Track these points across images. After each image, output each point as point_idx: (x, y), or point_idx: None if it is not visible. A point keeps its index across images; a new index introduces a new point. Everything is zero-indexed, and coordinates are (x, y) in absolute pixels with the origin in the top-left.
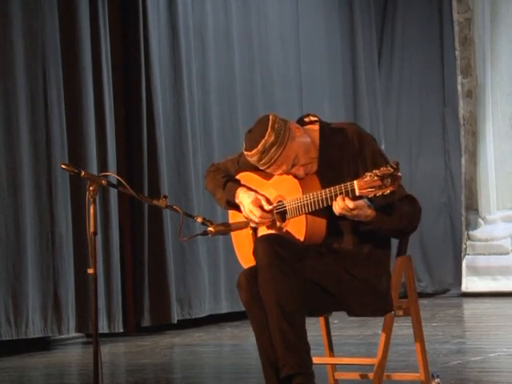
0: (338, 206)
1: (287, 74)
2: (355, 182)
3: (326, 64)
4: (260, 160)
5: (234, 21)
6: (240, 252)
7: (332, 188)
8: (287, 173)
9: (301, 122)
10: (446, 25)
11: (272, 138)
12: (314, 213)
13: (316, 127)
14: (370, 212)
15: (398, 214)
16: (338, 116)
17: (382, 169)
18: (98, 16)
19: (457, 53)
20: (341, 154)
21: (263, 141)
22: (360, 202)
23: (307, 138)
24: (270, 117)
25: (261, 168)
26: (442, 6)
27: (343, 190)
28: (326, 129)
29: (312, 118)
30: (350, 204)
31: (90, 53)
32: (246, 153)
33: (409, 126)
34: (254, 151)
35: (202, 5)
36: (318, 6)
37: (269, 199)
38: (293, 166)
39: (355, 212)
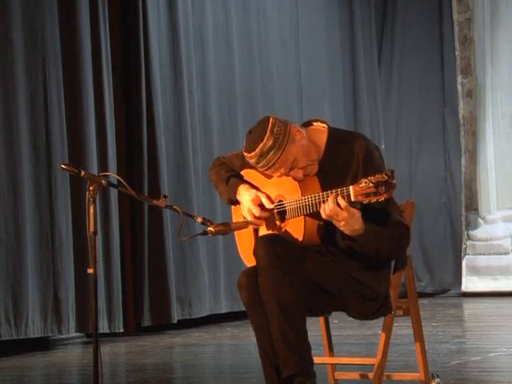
0: (327, 207)
1: (287, 74)
2: (351, 187)
3: (325, 64)
4: (258, 163)
5: (233, 21)
6: (243, 251)
7: (329, 191)
8: (286, 175)
9: (307, 124)
10: (446, 25)
11: (270, 142)
12: (313, 215)
13: (323, 132)
14: (358, 227)
15: (385, 239)
16: (338, 116)
17: (376, 176)
18: (98, 16)
19: (457, 53)
20: (345, 168)
21: (261, 144)
22: (352, 208)
23: (308, 140)
24: (270, 119)
25: (259, 170)
26: (441, 6)
27: (339, 194)
28: (333, 137)
29: (320, 125)
30: (342, 203)
31: (90, 53)
32: (244, 154)
33: (409, 126)
34: (252, 154)
35: (201, 5)
36: (318, 5)
37: (270, 197)
38: (291, 169)
39: (344, 215)
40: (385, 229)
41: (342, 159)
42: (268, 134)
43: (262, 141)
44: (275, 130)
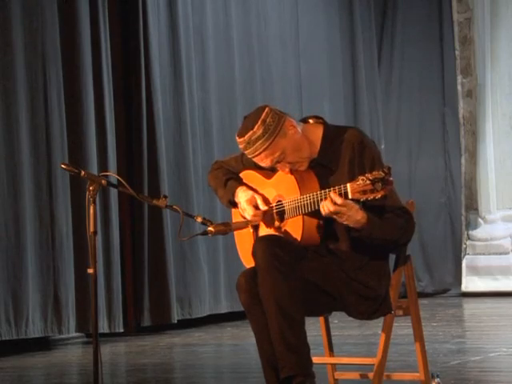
0: (325, 205)
1: (287, 74)
2: (348, 185)
3: (325, 64)
4: (245, 149)
5: (233, 21)
6: (242, 251)
7: (327, 190)
8: (272, 166)
9: (304, 121)
10: (446, 25)
11: (259, 132)
12: (312, 214)
13: (320, 127)
14: (360, 217)
15: (390, 225)
16: (338, 116)
17: (373, 173)
18: (98, 16)
19: (457, 53)
20: (341, 158)
21: (251, 132)
22: (349, 201)
23: (302, 136)
24: (266, 109)
25: (248, 156)
26: (441, 6)
27: (337, 192)
28: (329, 131)
29: (316, 121)
30: (338, 200)
31: (90, 53)
32: (236, 137)
33: (409, 126)
34: (241, 140)
35: (201, 5)
36: (318, 6)
37: (267, 199)
38: (278, 161)
39: (343, 210)
40: (390, 215)
41: (337, 150)
42: (259, 123)
43: (252, 129)
44: (267, 120)
